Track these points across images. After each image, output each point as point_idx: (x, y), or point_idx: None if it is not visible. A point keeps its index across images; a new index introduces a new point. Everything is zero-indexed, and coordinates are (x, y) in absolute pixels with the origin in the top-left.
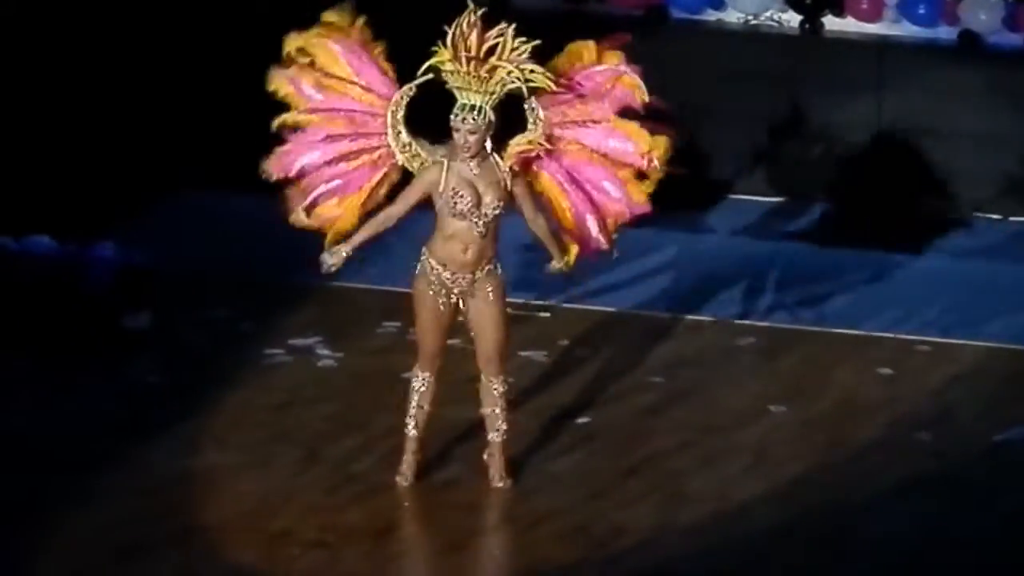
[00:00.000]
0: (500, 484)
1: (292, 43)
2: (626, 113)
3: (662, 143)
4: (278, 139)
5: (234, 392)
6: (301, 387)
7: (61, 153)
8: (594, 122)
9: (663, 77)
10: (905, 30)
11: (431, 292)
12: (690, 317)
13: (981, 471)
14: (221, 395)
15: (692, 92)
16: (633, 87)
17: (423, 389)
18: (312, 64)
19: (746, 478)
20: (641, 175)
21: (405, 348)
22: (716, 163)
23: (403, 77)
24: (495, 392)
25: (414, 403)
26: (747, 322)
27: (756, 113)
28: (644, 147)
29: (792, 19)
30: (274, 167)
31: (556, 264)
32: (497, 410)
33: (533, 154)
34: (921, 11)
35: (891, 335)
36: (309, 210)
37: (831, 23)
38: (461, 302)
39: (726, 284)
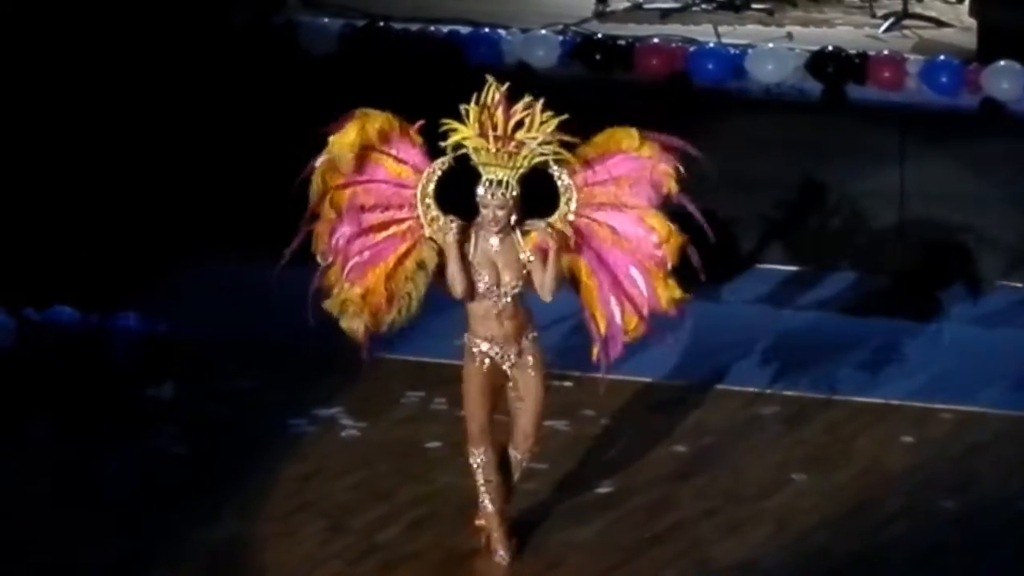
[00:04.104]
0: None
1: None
2: (660, 205)
3: (677, 239)
4: (302, 209)
5: (258, 462)
6: (325, 457)
7: (81, 223)
8: (626, 207)
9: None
10: (927, 98)
11: (483, 371)
12: (713, 386)
13: (1006, 539)
14: (245, 465)
15: (714, 161)
16: (666, 175)
17: (485, 462)
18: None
19: (770, 546)
20: (668, 272)
21: (429, 418)
22: (738, 232)
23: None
24: (522, 466)
25: (482, 480)
26: (770, 391)
27: (778, 182)
28: (662, 238)
29: (814, 88)
30: (322, 249)
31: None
32: (513, 481)
33: (549, 243)
34: (943, 80)
35: (914, 403)
36: (347, 282)
37: (853, 92)
38: (511, 376)
39: (749, 353)
